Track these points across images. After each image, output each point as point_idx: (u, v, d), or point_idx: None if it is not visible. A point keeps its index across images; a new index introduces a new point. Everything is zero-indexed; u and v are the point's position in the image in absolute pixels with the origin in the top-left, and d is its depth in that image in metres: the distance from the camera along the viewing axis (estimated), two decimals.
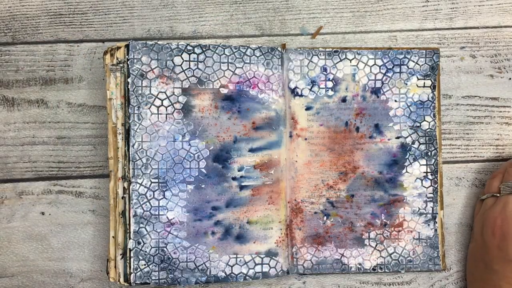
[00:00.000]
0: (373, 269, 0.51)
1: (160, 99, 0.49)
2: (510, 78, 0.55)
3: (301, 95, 0.51)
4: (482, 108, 0.55)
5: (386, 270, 0.52)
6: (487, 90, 0.55)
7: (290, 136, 0.51)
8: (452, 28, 0.55)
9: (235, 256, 0.50)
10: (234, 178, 0.50)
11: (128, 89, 0.49)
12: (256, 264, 0.50)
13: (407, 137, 0.52)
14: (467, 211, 0.54)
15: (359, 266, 0.52)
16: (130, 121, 0.49)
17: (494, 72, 0.55)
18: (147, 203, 0.49)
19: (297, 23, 0.55)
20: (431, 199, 0.52)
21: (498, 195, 0.50)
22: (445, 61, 0.55)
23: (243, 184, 0.50)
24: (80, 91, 0.54)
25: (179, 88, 0.49)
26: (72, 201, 0.53)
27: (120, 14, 0.54)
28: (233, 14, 0.55)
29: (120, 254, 0.49)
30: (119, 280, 0.49)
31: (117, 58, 0.49)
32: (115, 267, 0.49)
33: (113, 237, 0.49)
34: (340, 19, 0.55)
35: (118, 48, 0.49)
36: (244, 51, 0.50)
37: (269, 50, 0.51)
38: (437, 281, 0.54)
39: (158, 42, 0.49)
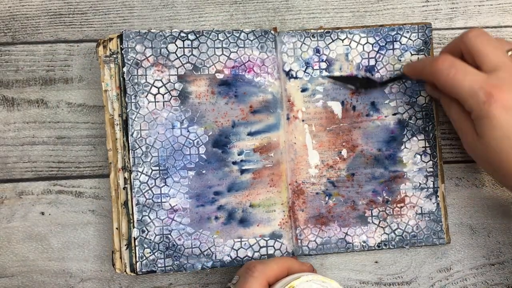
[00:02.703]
0: (378, 246, 0.52)
1: (157, 87, 0.49)
2: None
3: (296, 77, 0.52)
4: None
5: (391, 247, 0.52)
6: None
7: (288, 119, 0.52)
8: (452, 28, 0.55)
9: (239, 240, 0.50)
10: (234, 163, 0.50)
11: (124, 78, 0.49)
12: (261, 247, 0.50)
13: (403, 113, 0.52)
14: (467, 211, 0.54)
15: (364, 244, 0.52)
16: (127, 110, 0.49)
17: None
18: (149, 191, 0.49)
19: (297, 23, 0.55)
20: (431, 173, 0.52)
21: None
22: None
23: (243, 168, 0.50)
24: (80, 91, 0.53)
25: (175, 75, 0.50)
26: (72, 201, 0.53)
27: (120, 14, 0.54)
28: (233, 14, 0.55)
29: (125, 245, 0.49)
30: (125, 271, 0.49)
31: (110, 50, 0.49)
32: (121, 258, 0.49)
33: (116, 228, 0.49)
34: (340, 19, 0.55)
35: (111, 39, 0.49)
36: (238, 35, 0.50)
37: (263, 33, 0.51)
38: (437, 281, 0.54)
39: (152, 30, 0.49)
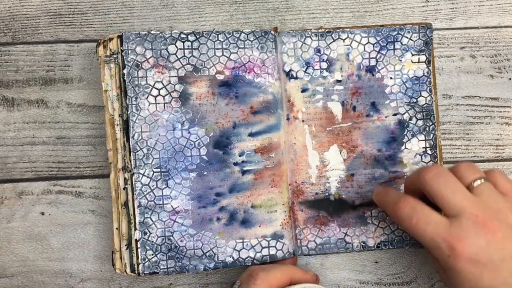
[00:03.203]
0: (377, 246, 0.52)
1: (157, 89, 0.49)
2: (510, 78, 0.55)
3: (296, 78, 0.52)
4: (482, 108, 0.55)
5: (390, 247, 0.52)
6: (487, 90, 0.55)
7: (288, 119, 0.52)
8: (452, 28, 0.55)
9: (241, 240, 0.50)
10: (235, 163, 0.50)
11: (124, 80, 0.49)
12: (263, 248, 0.50)
13: (404, 113, 0.52)
14: None
15: (363, 244, 0.52)
16: (128, 112, 0.49)
17: (494, 72, 0.55)
18: (151, 193, 0.49)
19: (297, 23, 0.55)
20: None
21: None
22: (445, 61, 0.55)
23: (245, 168, 0.50)
24: (80, 91, 0.53)
25: (175, 76, 0.49)
26: (72, 201, 0.53)
27: (120, 14, 0.54)
28: (233, 14, 0.55)
29: (125, 245, 0.49)
30: (125, 271, 0.49)
31: (110, 49, 0.49)
32: (121, 258, 0.49)
33: (116, 228, 0.49)
34: (340, 19, 0.55)
35: (111, 39, 0.49)
36: (238, 36, 0.50)
37: (263, 34, 0.51)
38: (437, 281, 0.54)
39: (152, 32, 0.49)
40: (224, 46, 0.50)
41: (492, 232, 0.41)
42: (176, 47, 0.49)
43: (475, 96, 0.55)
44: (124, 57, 0.49)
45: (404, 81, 0.52)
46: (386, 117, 0.52)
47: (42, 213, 0.52)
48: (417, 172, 0.44)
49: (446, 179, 0.43)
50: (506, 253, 0.40)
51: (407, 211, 0.43)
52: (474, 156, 0.55)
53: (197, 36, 0.50)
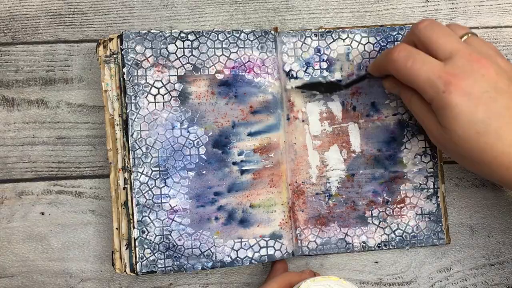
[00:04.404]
0: (378, 247, 0.52)
1: (157, 88, 0.49)
2: None
3: (296, 77, 0.52)
4: None
5: (391, 247, 0.52)
6: None
7: (288, 119, 0.52)
8: None
9: (239, 240, 0.50)
10: (234, 163, 0.50)
11: (124, 79, 0.49)
12: (261, 247, 0.50)
13: (404, 113, 0.52)
14: (467, 211, 0.55)
15: (364, 245, 0.52)
16: (127, 111, 0.49)
17: None
18: (149, 192, 0.49)
19: (297, 23, 0.55)
20: (431, 174, 0.52)
21: None
22: None
23: (243, 168, 0.50)
24: (80, 91, 0.53)
25: (175, 75, 0.49)
26: (72, 201, 0.53)
27: (120, 14, 0.54)
28: (233, 14, 0.55)
29: (125, 245, 0.49)
30: (125, 271, 0.49)
31: (110, 50, 0.49)
32: (121, 258, 0.49)
33: (116, 228, 0.49)
34: (340, 19, 0.55)
35: (111, 39, 0.49)
36: (238, 35, 0.50)
37: (263, 34, 0.51)
38: (437, 282, 0.54)
39: (152, 31, 0.49)
40: (224, 46, 0.50)
41: (486, 67, 0.42)
42: (176, 46, 0.49)
43: None
44: (124, 56, 0.49)
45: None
46: (386, 117, 0.52)
47: (42, 213, 0.53)
48: (411, 28, 0.46)
49: (439, 26, 0.44)
50: (499, 87, 0.41)
51: (403, 53, 0.43)
52: None
53: (197, 36, 0.50)
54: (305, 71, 0.52)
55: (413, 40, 0.45)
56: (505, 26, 0.55)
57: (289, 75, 0.51)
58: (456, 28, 0.46)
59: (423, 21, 0.44)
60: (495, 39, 0.55)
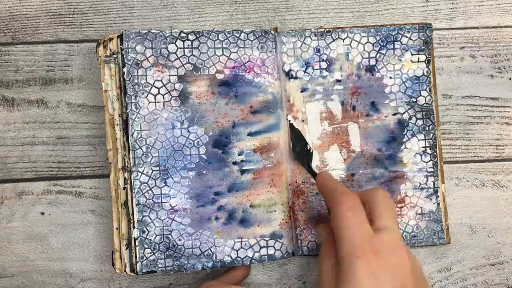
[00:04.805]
0: None
1: (157, 88, 0.49)
2: (510, 78, 0.55)
3: (296, 77, 0.52)
4: (482, 108, 0.55)
5: None
6: (487, 90, 0.55)
7: (288, 119, 0.52)
8: (452, 28, 0.56)
9: (240, 240, 0.50)
10: (234, 163, 0.50)
11: (124, 79, 0.49)
12: (261, 247, 0.50)
13: (404, 113, 0.52)
14: (467, 211, 0.55)
15: None
16: (128, 111, 0.49)
17: (494, 72, 0.55)
18: (149, 192, 0.49)
19: (297, 23, 0.55)
20: (431, 173, 0.52)
21: None
22: (445, 61, 0.55)
23: (244, 168, 0.50)
24: (80, 91, 0.53)
25: (175, 75, 0.50)
26: (72, 201, 0.53)
27: (120, 14, 0.54)
28: (233, 14, 0.55)
29: (125, 245, 0.49)
30: (125, 271, 0.49)
31: (110, 49, 0.49)
32: (121, 258, 0.49)
33: (116, 228, 0.49)
34: (340, 19, 0.55)
35: (111, 39, 0.49)
36: (238, 35, 0.50)
37: (263, 34, 0.51)
38: (437, 282, 0.54)
39: (152, 31, 0.49)
40: (224, 46, 0.50)
41: (405, 258, 0.41)
42: (176, 46, 0.50)
43: (475, 96, 0.55)
44: (124, 56, 0.49)
45: (404, 80, 0.52)
46: (385, 116, 0.52)
47: (42, 213, 0.53)
48: (371, 189, 0.45)
49: (391, 203, 0.44)
50: (406, 286, 0.40)
51: (351, 203, 0.42)
52: (474, 156, 0.55)
53: (197, 35, 0.50)
54: (304, 71, 0.52)
55: (363, 198, 0.44)
56: (505, 26, 0.56)
57: (288, 75, 0.51)
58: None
59: (384, 191, 0.45)
60: (495, 39, 0.55)
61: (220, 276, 0.50)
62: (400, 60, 0.52)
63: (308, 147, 0.51)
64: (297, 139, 0.51)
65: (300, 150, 0.51)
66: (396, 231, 0.42)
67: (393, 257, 0.41)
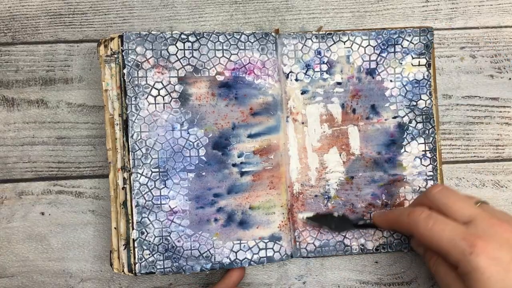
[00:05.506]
0: (376, 249, 0.52)
1: (157, 89, 0.49)
2: (510, 78, 0.55)
3: (296, 80, 0.52)
4: (482, 108, 0.55)
5: (389, 250, 0.52)
6: (487, 90, 0.55)
7: (288, 121, 0.52)
8: (452, 28, 0.55)
9: (238, 242, 0.50)
10: (234, 165, 0.50)
11: (124, 80, 0.49)
12: (260, 249, 0.50)
13: (404, 116, 0.52)
14: None
15: (362, 247, 0.52)
16: (128, 112, 0.49)
17: (494, 72, 0.55)
18: (149, 193, 0.49)
19: (297, 23, 0.55)
20: (431, 177, 0.52)
21: None
22: (445, 61, 0.55)
23: (243, 170, 0.50)
24: (80, 91, 0.53)
25: (175, 77, 0.50)
26: (72, 201, 0.53)
27: (120, 14, 0.54)
28: (233, 14, 0.55)
29: (123, 245, 0.49)
30: (123, 271, 0.49)
31: (111, 49, 0.49)
32: (119, 258, 0.49)
33: (115, 228, 0.49)
34: (340, 19, 0.55)
35: (112, 39, 0.49)
36: (238, 37, 0.50)
37: (263, 36, 0.51)
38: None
39: (152, 32, 0.49)
40: (224, 47, 0.50)
41: (509, 231, 0.41)
42: (177, 47, 0.49)
43: (475, 96, 0.55)
44: (125, 57, 0.49)
45: (404, 84, 0.52)
46: (385, 119, 0.52)
47: (42, 213, 0.53)
48: (424, 193, 0.46)
49: (452, 191, 0.44)
50: None
51: (424, 215, 0.43)
52: (474, 156, 0.55)
53: (198, 37, 0.50)
54: (305, 73, 0.52)
55: (425, 204, 0.45)
56: (505, 26, 0.56)
57: (289, 77, 0.51)
58: (467, 196, 0.45)
59: (435, 187, 0.45)
60: (495, 39, 0.55)
61: (216, 284, 0.50)
62: (401, 63, 0.52)
63: (335, 215, 0.52)
64: (322, 220, 0.52)
65: (335, 224, 0.51)
66: (478, 212, 0.42)
67: (497, 235, 0.41)
